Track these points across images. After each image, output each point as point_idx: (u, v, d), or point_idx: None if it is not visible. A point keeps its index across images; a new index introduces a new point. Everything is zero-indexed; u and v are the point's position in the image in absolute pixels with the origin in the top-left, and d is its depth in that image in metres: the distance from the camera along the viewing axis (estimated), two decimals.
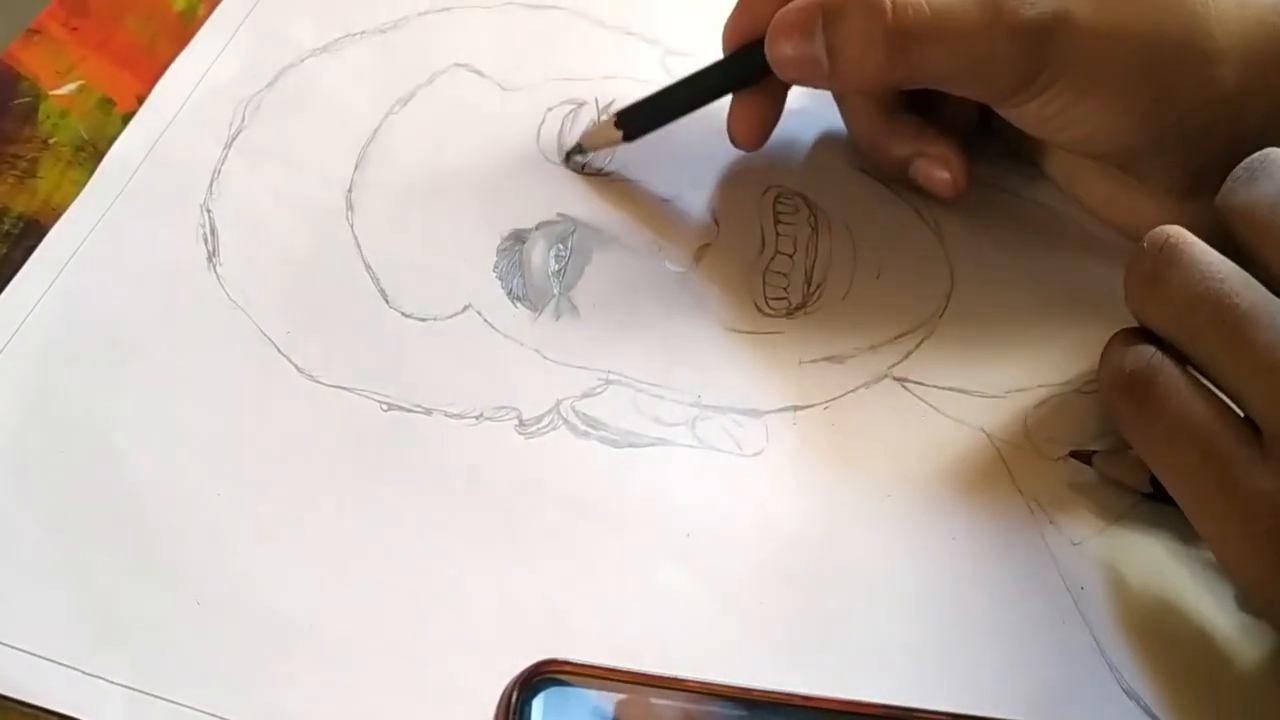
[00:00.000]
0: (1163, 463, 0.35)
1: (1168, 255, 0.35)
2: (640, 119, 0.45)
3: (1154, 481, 0.37)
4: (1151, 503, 0.38)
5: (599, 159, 0.46)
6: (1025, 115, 0.40)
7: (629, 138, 0.45)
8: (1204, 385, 0.34)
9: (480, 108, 0.48)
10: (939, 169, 0.44)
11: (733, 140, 0.45)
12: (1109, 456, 0.38)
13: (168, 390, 0.40)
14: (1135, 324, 0.37)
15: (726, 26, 0.43)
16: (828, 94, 0.46)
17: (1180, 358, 0.35)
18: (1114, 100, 0.38)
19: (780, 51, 0.40)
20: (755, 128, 0.45)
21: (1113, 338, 0.37)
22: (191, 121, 0.47)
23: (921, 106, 0.45)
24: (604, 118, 0.46)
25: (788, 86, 0.44)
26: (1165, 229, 0.35)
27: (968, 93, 0.40)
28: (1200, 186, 0.39)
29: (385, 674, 0.35)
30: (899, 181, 0.45)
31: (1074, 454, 0.39)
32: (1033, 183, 0.46)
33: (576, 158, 0.46)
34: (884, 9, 0.37)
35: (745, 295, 0.43)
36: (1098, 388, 0.38)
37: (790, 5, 0.40)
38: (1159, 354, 0.35)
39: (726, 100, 0.44)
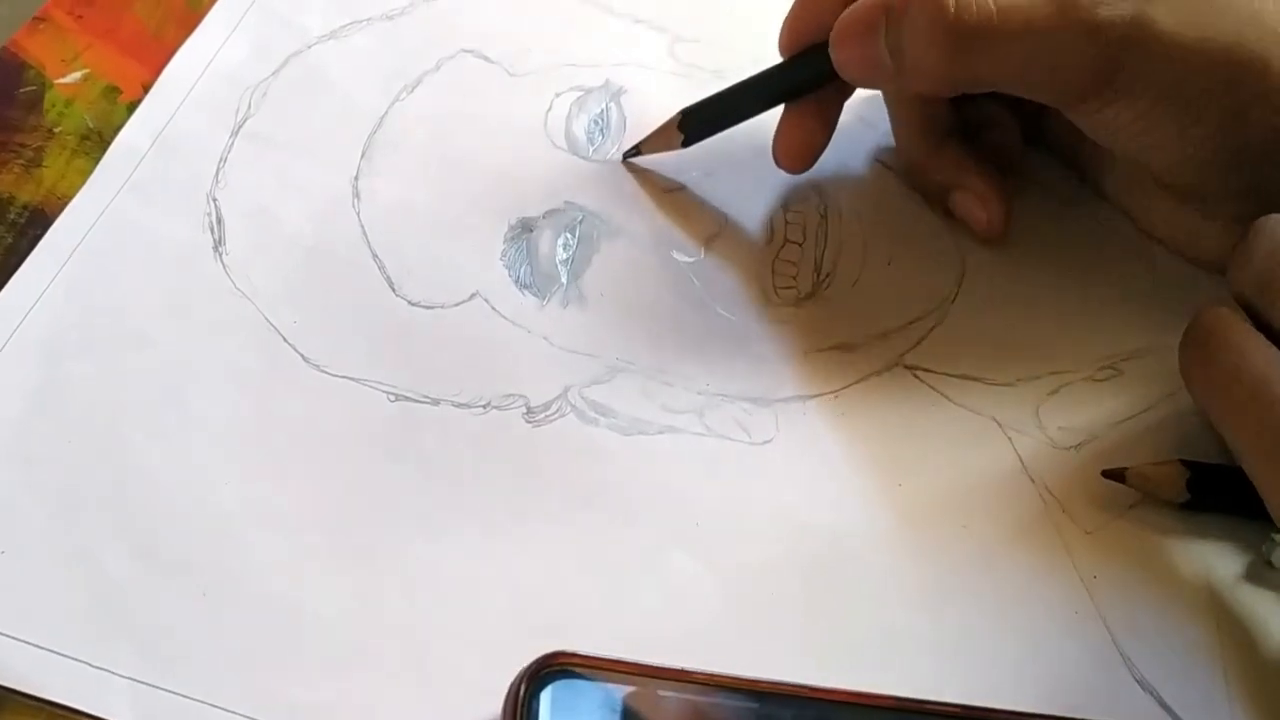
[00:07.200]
0: (1218, 407, 0.35)
1: (1255, 228, 0.35)
2: (701, 121, 0.44)
3: (1189, 488, 0.37)
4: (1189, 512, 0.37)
5: (608, 145, 0.46)
6: (1095, 122, 0.39)
7: (689, 142, 0.44)
8: (1271, 341, 0.34)
9: (487, 94, 0.48)
10: (977, 207, 0.43)
11: (778, 161, 0.43)
12: (1141, 471, 0.37)
13: (174, 379, 0.39)
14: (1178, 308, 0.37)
15: (783, 29, 0.42)
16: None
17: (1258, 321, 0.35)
18: (1187, 111, 0.37)
19: (845, 52, 0.39)
20: (804, 147, 0.43)
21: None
22: (198, 108, 0.46)
23: (969, 133, 0.44)
24: (667, 119, 0.44)
25: (840, 105, 0.43)
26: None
27: (1036, 95, 0.39)
28: (1261, 212, 0.37)
29: (393, 664, 0.34)
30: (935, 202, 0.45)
31: (1106, 474, 0.38)
32: (1045, 167, 0.46)
33: (631, 159, 0.46)
34: (946, 6, 0.36)
35: (754, 284, 0.43)
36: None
37: (854, 5, 0.39)
38: (1227, 310, 0.35)
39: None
